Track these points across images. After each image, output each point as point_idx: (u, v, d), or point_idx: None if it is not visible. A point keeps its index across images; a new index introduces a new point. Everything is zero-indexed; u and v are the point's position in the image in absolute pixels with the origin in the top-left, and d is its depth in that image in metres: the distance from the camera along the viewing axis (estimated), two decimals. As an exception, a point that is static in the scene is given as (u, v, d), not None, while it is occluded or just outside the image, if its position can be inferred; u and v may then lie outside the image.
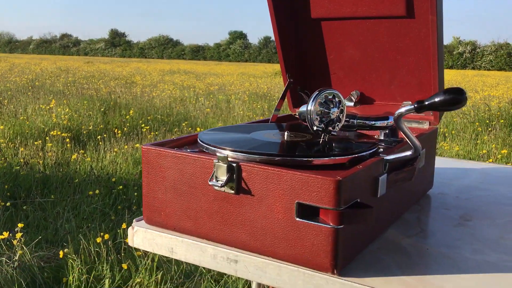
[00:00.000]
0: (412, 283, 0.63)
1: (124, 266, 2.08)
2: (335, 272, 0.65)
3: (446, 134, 5.42)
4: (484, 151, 4.44)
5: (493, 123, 5.62)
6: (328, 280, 0.64)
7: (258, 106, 7.51)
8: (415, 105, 0.66)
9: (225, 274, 2.17)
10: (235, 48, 61.96)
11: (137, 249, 2.26)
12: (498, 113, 6.06)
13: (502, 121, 5.63)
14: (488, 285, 0.64)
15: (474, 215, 0.90)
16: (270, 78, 16.03)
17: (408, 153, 0.75)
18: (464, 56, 44.52)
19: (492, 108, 6.60)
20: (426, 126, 1.02)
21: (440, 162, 1.30)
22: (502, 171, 1.26)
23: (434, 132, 1.01)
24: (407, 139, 0.73)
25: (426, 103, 0.65)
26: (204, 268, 2.20)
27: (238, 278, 2.13)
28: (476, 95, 9.89)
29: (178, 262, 2.24)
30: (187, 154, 0.74)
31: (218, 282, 2.13)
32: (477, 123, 5.68)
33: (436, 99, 0.63)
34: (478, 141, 4.98)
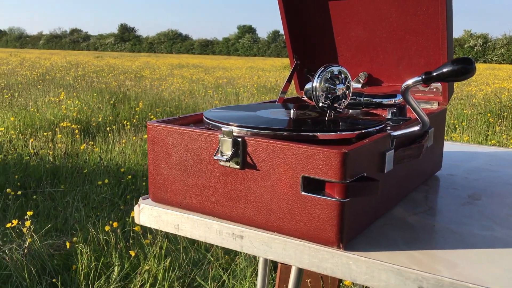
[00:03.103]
0: (418, 257, 0.62)
1: (132, 253, 2.09)
2: (340, 246, 0.64)
3: (457, 126, 5.37)
4: (493, 142, 4.39)
5: (505, 114, 5.56)
6: (334, 254, 0.64)
7: (266, 98, 7.50)
8: (423, 76, 0.65)
9: (233, 261, 2.17)
10: (244, 42, 61.86)
11: (145, 237, 2.27)
12: (510, 104, 5.99)
13: (514, 112, 5.57)
14: (496, 259, 0.63)
15: (483, 194, 0.89)
16: (279, 71, 15.99)
17: (416, 128, 0.74)
18: (475, 49, 44.04)
19: (503, 100, 6.53)
20: (435, 106, 1.01)
21: (448, 146, 1.29)
22: (511, 155, 1.24)
23: (443, 113, 1.00)
24: (414, 113, 0.72)
25: (434, 73, 0.64)
26: (212, 256, 2.20)
27: (246, 266, 2.13)
28: (487, 88, 9.78)
29: (186, 250, 2.24)
30: (192, 130, 0.74)
31: (226, 270, 2.14)
32: (489, 114, 5.62)
33: (444, 70, 0.62)
34: (489, 132, 4.93)
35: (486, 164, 1.12)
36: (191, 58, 33.61)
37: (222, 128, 0.72)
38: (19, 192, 2.88)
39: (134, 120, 5.24)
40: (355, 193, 0.63)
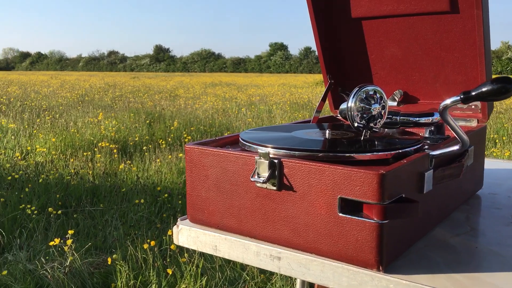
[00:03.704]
0: (461, 281, 0.61)
1: (169, 271, 2.12)
2: (380, 268, 0.63)
3: (497, 141, 5.20)
4: (538, 157, 4.23)
5: (548, 127, 5.35)
6: (374, 277, 0.63)
7: (299, 115, 7.49)
8: (462, 96, 0.64)
9: (269, 281, 2.16)
10: (276, 59, 62.26)
11: (182, 255, 2.29)
12: (553, 117, 5.76)
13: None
14: (544, 283, 0.60)
15: (528, 214, 0.86)
16: (311, 88, 15.98)
17: (455, 147, 0.72)
18: (514, 61, 42.72)
19: (546, 112, 6.28)
20: (474, 124, 0.99)
21: (490, 164, 1.25)
22: (558, 172, 1.19)
23: (483, 130, 0.97)
24: (453, 133, 0.71)
25: (473, 93, 0.63)
26: (248, 275, 2.20)
27: (282, 285, 2.11)
28: (529, 100, 9.44)
29: (222, 269, 2.25)
30: (229, 152, 0.75)
31: (262, 289, 2.13)
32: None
33: (484, 89, 0.61)
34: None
35: (530, 182, 1.08)
36: (224, 76, 34.08)
37: (259, 150, 0.73)
38: (60, 212, 2.97)
39: (169, 139, 5.34)
40: (394, 215, 0.62)
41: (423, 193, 0.71)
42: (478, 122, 0.98)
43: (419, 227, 0.74)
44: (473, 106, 0.98)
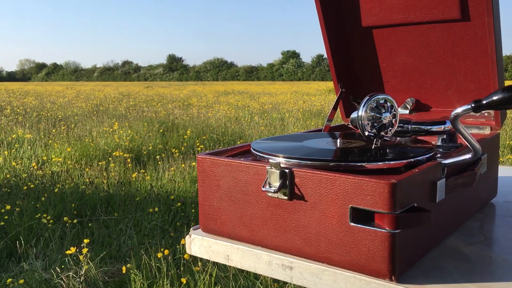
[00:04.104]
0: (475, 290, 0.60)
1: (183, 280, 2.12)
2: (393, 278, 0.63)
3: (513, 147, 5.13)
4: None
5: None
6: (386, 287, 0.63)
7: (312, 123, 7.48)
8: (473, 105, 0.64)
9: (283, 290, 2.15)
10: (288, 67, 62.35)
11: (195, 264, 2.30)
12: None
13: None
14: (560, 293, 0.60)
15: (543, 222, 0.85)
16: (323, 95, 15.95)
17: (468, 156, 0.72)
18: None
19: None
20: (487, 131, 0.98)
21: (504, 171, 1.24)
22: None
23: (496, 138, 0.97)
24: (465, 141, 0.70)
25: (484, 102, 0.63)
26: (261, 283, 2.19)
27: (296, 294, 2.10)
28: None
29: (235, 278, 2.25)
30: (240, 161, 0.76)
31: (276, 298, 2.12)
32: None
33: (495, 98, 0.61)
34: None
35: (546, 190, 1.07)
36: (236, 84, 34.20)
37: (270, 160, 0.74)
38: (75, 221, 3.00)
39: (183, 148, 5.37)
40: (406, 224, 0.62)
41: (436, 202, 0.71)
42: (491, 130, 0.97)
43: (432, 236, 0.73)
44: (486, 114, 0.97)
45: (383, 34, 1.06)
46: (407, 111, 1.08)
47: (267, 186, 0.72)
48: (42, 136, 6.09)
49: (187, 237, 0.84)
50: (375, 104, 0.77)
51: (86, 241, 2.33)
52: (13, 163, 4.52)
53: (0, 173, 4.24)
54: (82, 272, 2.23)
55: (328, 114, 1.08)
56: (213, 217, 0.81)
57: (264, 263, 0.74)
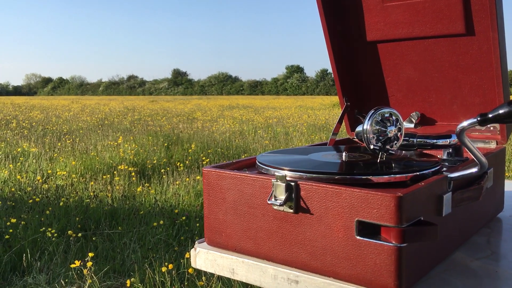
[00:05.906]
0: (483, 305, 0.60)
1: (187, 295, 2.10)
2: (399, 292, 0.63)
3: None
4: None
5: None
6: (393, 301, 0.62)
7: (316, 137, 7.48)
8: (478, 118, 0.64)
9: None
10: (293, 82, 62.61)
11: (199, 279, 2.28)
12: None
13: None
14: None
15: (551, 237, 0.84)
16: (328, 110, 15.98)
17: (474, 170, 0.72)
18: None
19: None
20: (493, 145, 0.98)
21: (510, 186, 1.23)
22: None
23: (502, 152, 0.96)
24: (471, 155, 0.70)
25: (490, 115, 0.63)
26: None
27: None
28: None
29: (239, 293, 2.23)
30: (246, 174, 0.76)
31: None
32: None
33: (501, 111, 0.61)
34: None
35: (553, 204, 1.06)
36: (241, 99, 34.35)
37: (275, 173, 0.74)
38: (79, 234, 3.00)
39: (187, 162, 5.37)
40: (412, 238, 0.62)
41: (442, 216, 0.70)
42: (497, 144, 0.97)
43: (439, 250, 0.73)
44: (491, 128, 0.97)
45: (388, 48, 1.07)
46: (412, 125, 1.08)
47: (273, 199, 0.72)
48: (47, 150, 6.12)
49: (192, 250, 0.84)
50: (380, 118, 0.77)
51: (91, 254, 2.33)
52: (18, 177, 4.54)
53: (5, 187, 4.25)
54: (86, 286, 2.22)
55: (333, 128, 1.08)
56: (218, 230, 0.81)
57: (269, 276, 0.74)
